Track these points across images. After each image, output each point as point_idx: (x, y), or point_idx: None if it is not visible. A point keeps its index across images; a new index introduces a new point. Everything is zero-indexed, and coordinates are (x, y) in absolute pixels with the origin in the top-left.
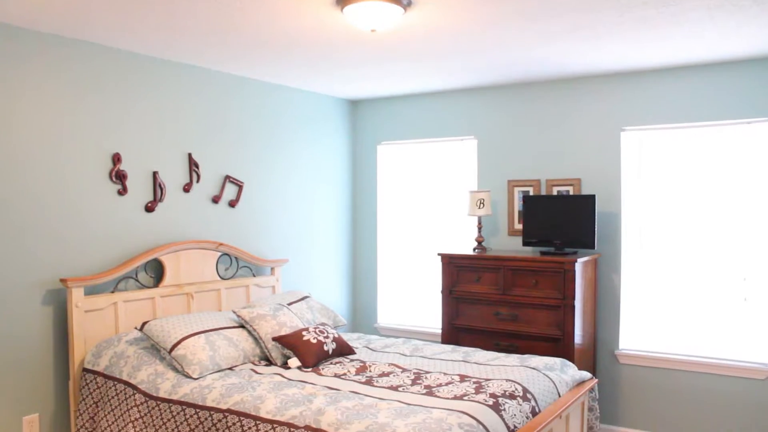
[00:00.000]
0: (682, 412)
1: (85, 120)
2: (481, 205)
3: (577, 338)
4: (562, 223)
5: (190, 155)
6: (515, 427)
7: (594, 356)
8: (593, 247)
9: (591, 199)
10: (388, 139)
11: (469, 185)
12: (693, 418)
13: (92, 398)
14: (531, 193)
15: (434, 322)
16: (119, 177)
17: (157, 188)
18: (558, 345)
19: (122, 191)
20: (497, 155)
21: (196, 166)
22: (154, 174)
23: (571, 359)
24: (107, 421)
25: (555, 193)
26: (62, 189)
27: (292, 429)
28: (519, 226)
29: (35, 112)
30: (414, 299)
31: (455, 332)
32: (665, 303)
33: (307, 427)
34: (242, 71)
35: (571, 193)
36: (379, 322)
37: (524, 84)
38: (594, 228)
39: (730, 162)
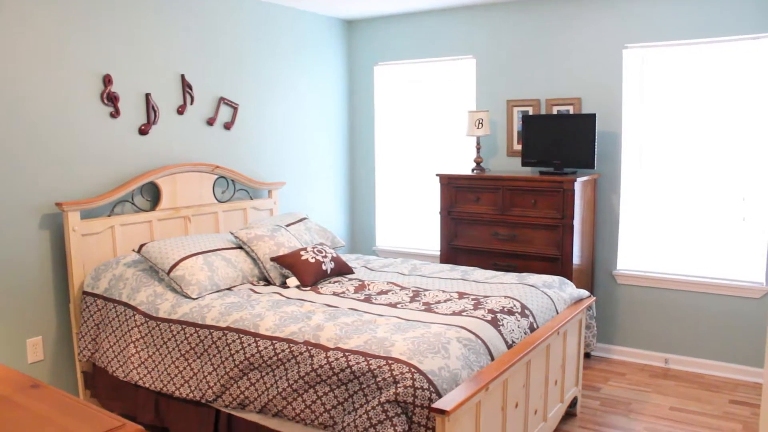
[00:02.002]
0: (679, 331)
1: (73, 39)
2: (480, 125)
3: (576, 258)
4: (562, 143)
5: (183, 76)
6: (513, 342)
7: (592, 276)
8: (593, 167)
9: (591, 118)
10: (384, 59)
11: (467, 105)
12: (689, 337)
13: (93, 320)
14: (530, 113)
15: (433, 244)
16: (111, 99)
17: (151, 110)
18: (556, 265)
19: (115, 114)
20: (496, 75)
21: (190, 87)
22: (147, 96)
23: (569, 279)
24: (109, 342)
25: (555, 112)
26: (54, 112)
27: (291, 345)
28: (518, 147)
29: (25, 32)
30: (412, 221)
31: (454, 253)
32: (664, 223)
33: (306, 343)
34: None
35: (571, 112)
36: (377, 245)
37: (524, 1)
38: (594, 148)
39: (735, 79)
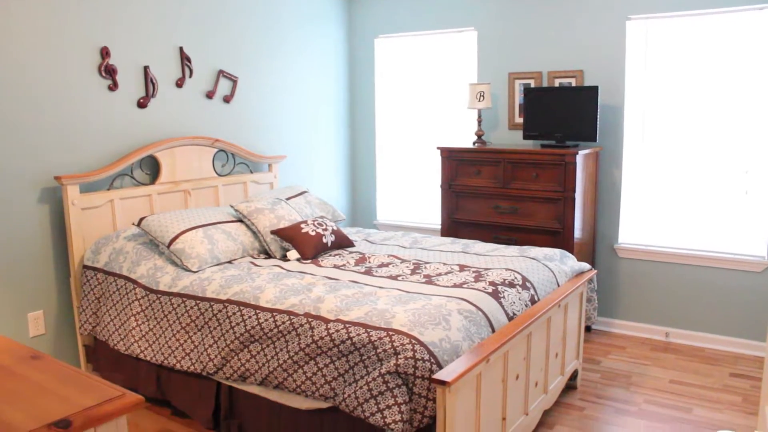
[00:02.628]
0: (680, 305)
1: (70, 11)
2: (481, 97)
3: (577, 231)
4: (564, 116)
5: (181, 49)
6: (514, 314)
7: (593, 250)
8: (595, 140)
9: (593, 90)
10: (385, 32)
11: (468, 78)
12: (690, 311)
13: (94, 294)
14: (532, 86)
15: (434, 218)
16: (109, 72)
17: (149, 83)
18: (558, 238)
19: (113, 87)
20: (498, 47)
21: (188, 60)
22: (146, 68)
23: (570, 252)
24: (110, 315)
25: (557, 85)
26: (51, 85)
27: (291, 317)
28: (520, 120)
29: (21, 4)
30: (413, 195)
31: (455, 226)
32: (666, 197)
33: (306, 315)
34: None
35: (574, 84)
36: (378, 219)
37: None
38: (596, 120)
39: (739, 51)
